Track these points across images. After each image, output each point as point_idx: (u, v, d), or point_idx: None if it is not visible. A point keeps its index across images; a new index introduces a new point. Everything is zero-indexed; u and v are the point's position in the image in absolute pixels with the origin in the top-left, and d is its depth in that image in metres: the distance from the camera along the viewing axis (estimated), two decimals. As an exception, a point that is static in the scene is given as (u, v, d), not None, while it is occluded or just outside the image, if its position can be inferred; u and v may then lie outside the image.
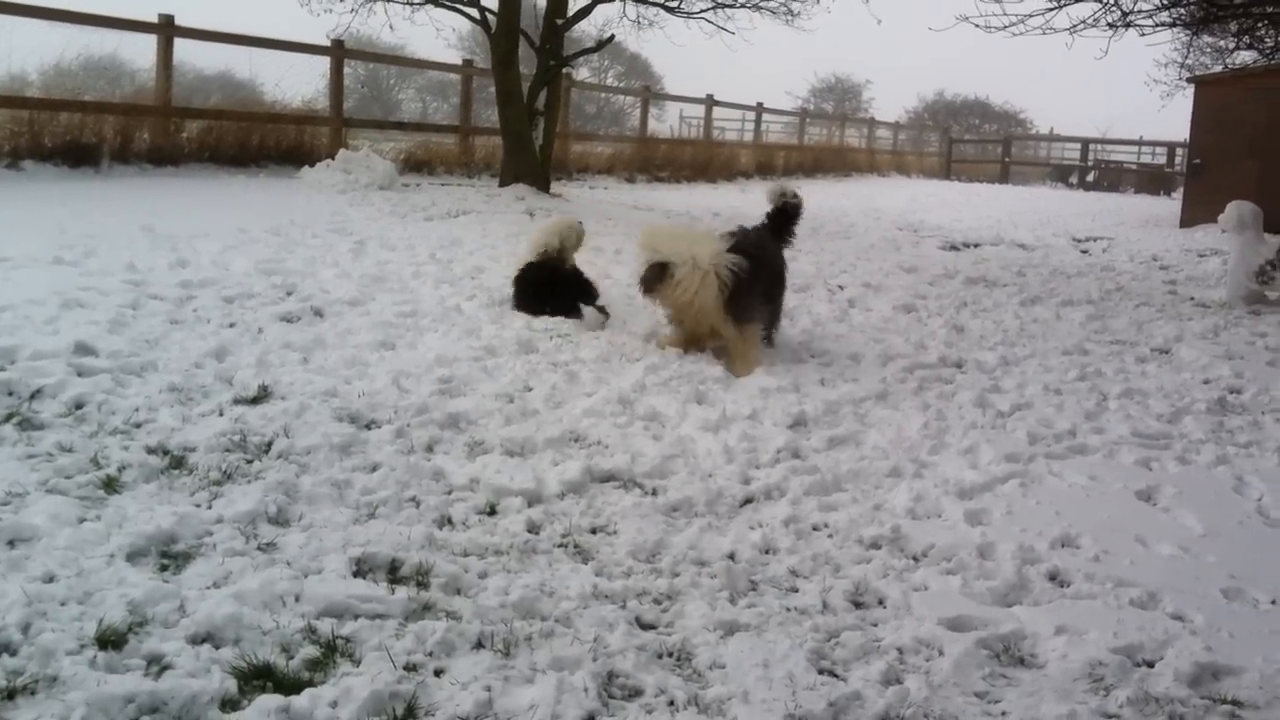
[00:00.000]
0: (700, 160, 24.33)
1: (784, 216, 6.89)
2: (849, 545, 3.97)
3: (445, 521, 3.89)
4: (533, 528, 3.90)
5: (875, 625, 3.38)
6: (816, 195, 20.87)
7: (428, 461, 4.39)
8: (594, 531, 3.94)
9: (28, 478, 3.84)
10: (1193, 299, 10.35)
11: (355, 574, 3.40)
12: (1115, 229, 18.85)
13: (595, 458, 4.61)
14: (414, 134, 19.98)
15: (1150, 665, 3.22)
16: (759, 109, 31.67)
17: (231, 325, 6.16)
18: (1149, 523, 4.39)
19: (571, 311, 7.08)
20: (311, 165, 14.66)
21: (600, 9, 17.07)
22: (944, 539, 4.02)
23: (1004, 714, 2.93)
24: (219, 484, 4.00)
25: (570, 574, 3.53)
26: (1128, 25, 14.23)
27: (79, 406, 4.61)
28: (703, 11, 18.23)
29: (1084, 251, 14.77)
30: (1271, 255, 9.83)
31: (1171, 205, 24.88)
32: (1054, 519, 4.31)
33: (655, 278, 6.25)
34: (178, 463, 4.15)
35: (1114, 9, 13.97)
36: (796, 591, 3.58)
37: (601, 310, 7.24)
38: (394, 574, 3.45)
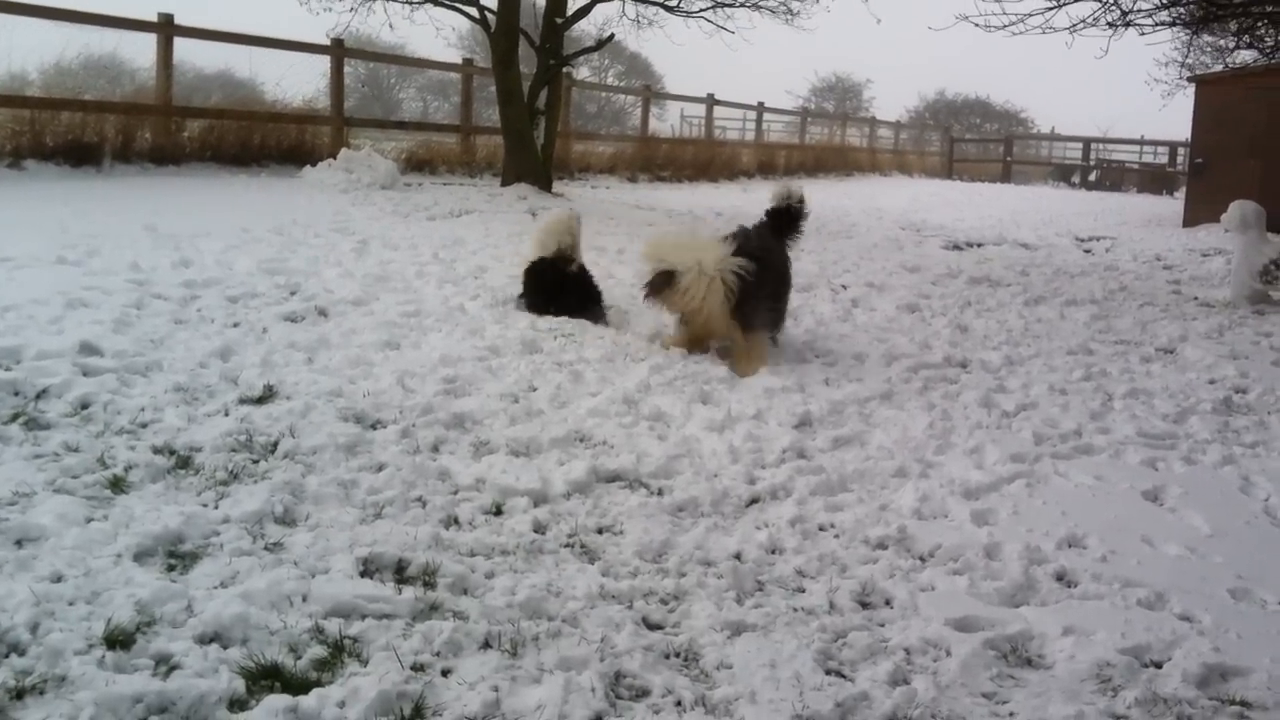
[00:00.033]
0: (702, 160, 24.34)
1: (787, 217, 6.88)
2: (855, 545, 3.97)
3: (452, 521, 3.89)
4: (539, 528, 3.90)
5: (882, 626, 3.38)
6: (818, 195, 20.81)
7: (433, 461, 4.39)
8: (600, 531, 3.94)
9: (35, 478, 3.84)
10: (1197, 299, 10.34)
11: (362, 574, 3.40)
12: (1118, 228, 18.85)
13: (601, 458, 4.60)
14: (415, 133, 19.99)
15: (1158, 666, 3.22)
16: (760, 108, 31.67)
17: (236, 325, 6.16)
18: (1156, 523, 4.39)
19: (577, 312, 7.08)
20: (313, 165, 14.65)
21: (600, 8, 17.07)
22: (950, 539, 4.02)
23: (1011, 715, 2.93)
24: (225, 484, 3.99)
25: (577, 574, 3.53)
26: (1127, 24, 14.21)
27: (85, 406, 4.60)
28: (702, 10, 18.22)
29: (1087, 251, 14.77)
30: (1275, 255, 9.84)
31: (1174, 205, 24.90)
32: (1060, 519, 4.31)
33: (662, 285, 6.24)
34: (184, 463, 4.15)
35: (1113, 8, 13.96)
36: (803, 592, 3.58)
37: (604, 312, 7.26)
38: (401, 574, 3.44)
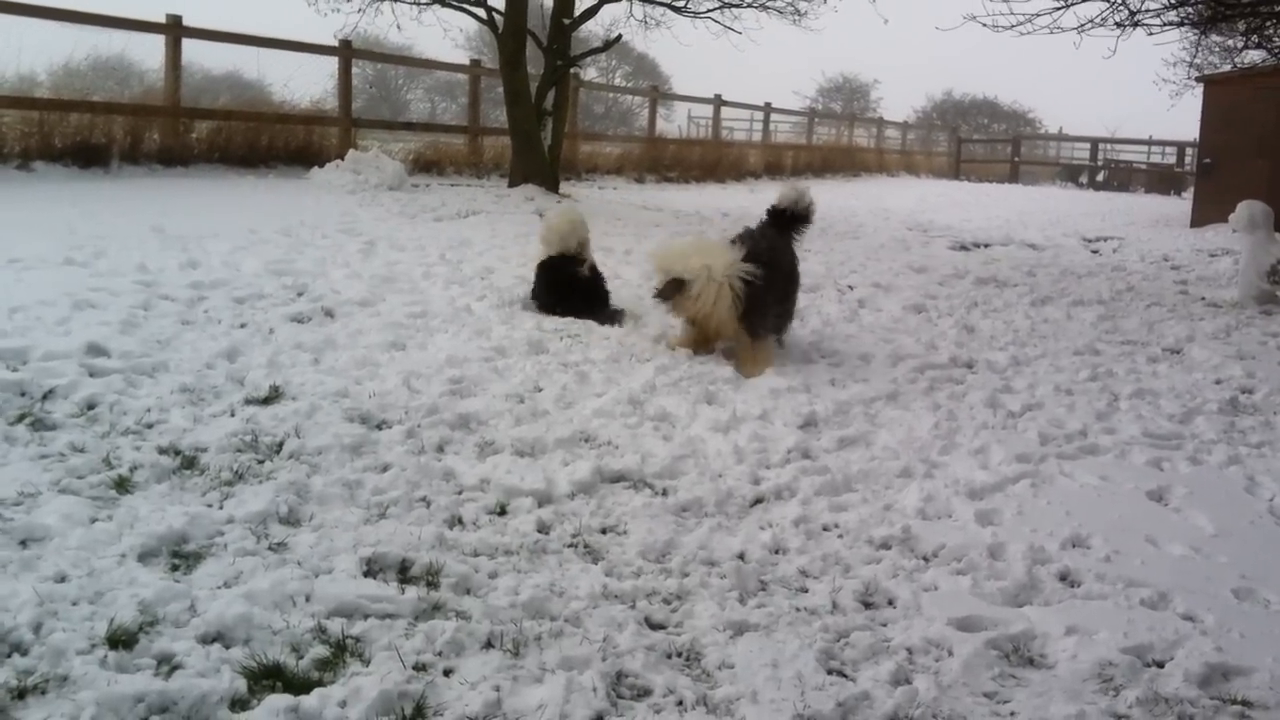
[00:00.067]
0: (709, 160, 24.35)
1: (792, 219, 6.87)
2: (859, 545, 3.97)
3: (456, 521, 3.90)
4: (543, 528, 3.90)
5: (885, 625, 3.38)
6: (825, 195, 20.82)
7: (438, 462, 4.40)
8: (604, 532, 3.94)
9: (40, 478, 3.86)
10: (1204, 299, 10.32)
11: (366, 574, 3.41)
12: (1125, 229, 18.82)
13: (605, 458, 4.61)
14: (423, 134, 20.04)
15: (1160, 665, 3.21)
16: (767, 109, 31.68)
17: (242, 326, 6.18)
18: (1160, 523, 4.38)
19: (586, 313, 7.09)
20: (321, 166, 14.70)
21: (607, 9, 17.10)
22: (954, 539, 4.02)
23: (1013, 714, 2.92)
24: (230, 484, 4.01)
25: (580, 574, 3.53)
26: (1135, 24, 14.16)
27: (91, 407, 4.62)
28: (709, 11, 18.24)
29: (1094, 251, 14.75)
30: (1283, 255, 9.80)
31: (1182, 205, 24.82)
32: (1065, 519, 4.31)
33: (672, 292, 6.24)
34: (189, 463, 4.16)
35: (1121, 8, 13.91)
36: (806, 592, 3.58)
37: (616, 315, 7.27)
38: (404, 574, 3.45)
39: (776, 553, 3.86)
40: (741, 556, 3.77)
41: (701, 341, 6.44)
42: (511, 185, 15.45)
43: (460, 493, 4.14)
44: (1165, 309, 9.54)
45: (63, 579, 3.15)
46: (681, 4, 17.90)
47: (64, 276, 6.74)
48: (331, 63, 17.33)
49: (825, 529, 4.11)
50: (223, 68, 25.38)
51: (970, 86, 59.34)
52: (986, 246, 14.42)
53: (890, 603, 3.55)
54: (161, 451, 4.22)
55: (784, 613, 3.39)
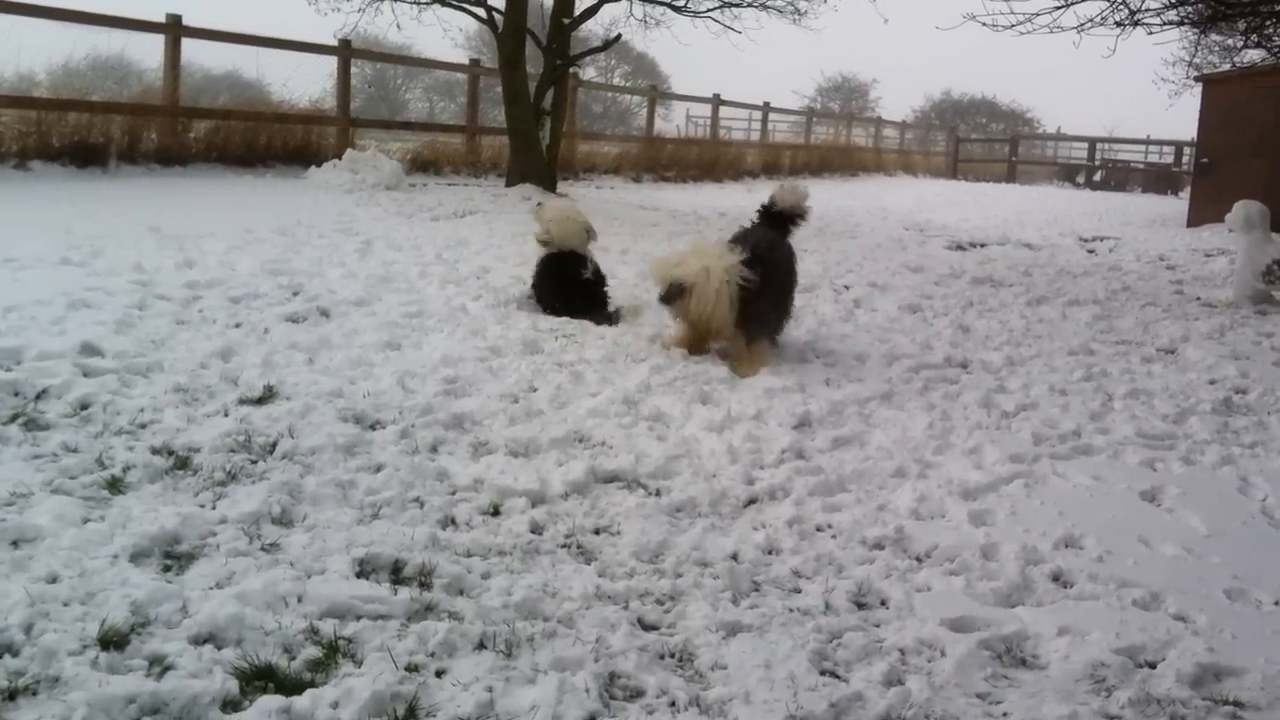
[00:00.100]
0: (707, 160, 24.35)
1: (788, 218, 6.87)
2: (852, 546, 3.97)
3: (449, 522, 3.90)
4: (536, 528, 3.90)
5: (878, 626, 3.38)
6: (823, 195, 20.79)
7: (432, 462, 4.40)
8: (597, 532, 3.94)
9: (33, 478, 3.85)
10: (1199, 299, 10.33)
11: (358, 575, 3.41)
12: (1122, 228, 18.83)
13: (599, 458, 4.61)
14: (421, 134, 20.04)
15: (1152, 666, 3.22)
16: (765, 108, 31.69)
17: (238, 325, 6.18)
18: (1153, 523, 4.38)
19: (586, 313, 7.10)
20: (318, 165, 14.70)
21: (607, 8, 17.10)
22: (947, 539, 4.02)
23: (1005, 715, 2.93)
24: (223, 484, 4.00)
25: (573, 575, 3.53)
26: (1135, 24, 14.16)
27: (84, 407, 4.62)
28: (709, 11, 18.25)
29: (1090, 251, 14.75)
30: (1279, 255, 9.81)
31: (1179, 205, 24.84)
32: (1058, 519, 4.31)
33: (675, 296, 6.23)
34: (182, 463, 4.16)
35: (1121, 7, 13.91)
36: (799, 592, 3.58)
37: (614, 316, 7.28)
38: (397, 574, 3.45)
39: (770, 553, 3.86)
40: (735, 557, 3.77)
41: (698, 342, 6.44)
42: (509, 185, 15.45)
43: (454, 493, 4.14)
44: (1160, 309, 9.54)
45: (54, 579, 3.15)
46: (681, 3, 17.91)
47: (60, 276, 6.74)
48: (330, 62, 17.32)
49: (819, 529, 4.11)
50: (222, 67, 25.40)
51: (969, 86, 59.42)
52: (983, 246, 14.43)
53: (883, 603, 3.55)
54: (154, 452, 4.22)
55: (777, 613, 3.39)
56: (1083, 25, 13.81)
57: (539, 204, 7.51)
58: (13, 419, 4.39)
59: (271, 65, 23.20)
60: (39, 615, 2.92)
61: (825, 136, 37.07)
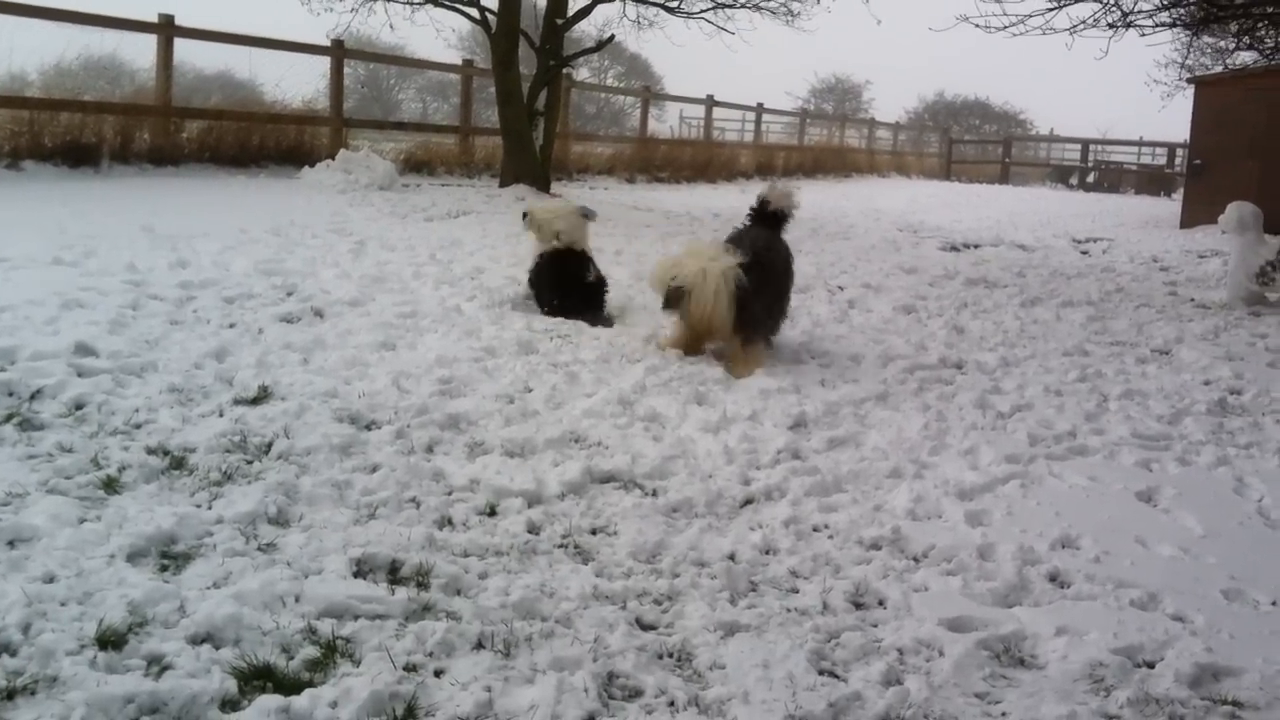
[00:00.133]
0: (700, 161, 24.35)
1: (778, 218, 6.87)
2: (849, 546, 3.97)
3: (445, 522, 3.89)
4: (533, 528, 3.90)
5: (875, 626, 3.38)
6: (817, 196, 20.87)
7: (428, 462, 4.39)
8: (594, 532, 3.94)
9: (28, 478, 3.84)
10: (1193, 300, 10.35)
11: (355, 574, 3.40)
12: (1115, 230, 18.86)
13: (595, 458, 4.60)
14: (414, 134, 20.01)
15: (1150, 666, 3.22)
16: (759, 109, 31.69)
17: (232, 326, 6.16)
18: (1149, 524, 4.39)
19: (582, 313, 7.10)
20: (312, 165, 14.67)
21: (600, 9, 17.11)
22: (944, 540, 4.02)
23: (1004, 715, 2.93)
24: (219, 484, 3.99)
25: (570, 575, 3.53)
26: (1128, 26, 14.23)
27: (79, 407, 4.61)
28: (703, 12, 18.26)
29: (1084, 252, 14.77)
30: (1272, 256, 9.82)
31: (1172, 206, 24.90)
32: (1054, 520, 4.31)
33: (676, 299, 6.22)
34: (178, 463, 4.15)
35: (1114, 9, 13.97)
36: (797, 592, 3.58)
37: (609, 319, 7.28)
38: (394, 574, 3.44)
39: (767, 553, 3.85)
40: (732, 557, 3.77)
41: (694, 343, 6.43)
42: (502, 185, 15.44)
43: (450, 493, 4.13)
44: (1154, 310, 9.56)
45: (51, 579, 3.14)
46: (674, 4, 17.92)
47: (53, 276, 6.73)
48: (323, 62, 17.31)
49: (815, 530, 4.11)
50: (214, 67, 25.40)
51: (962, 88, 59.43)
52: (977, 247, 14.44)
53: (881, 603, 3.55)
54: (150, 452, 4.21)
55: (775, 613, 3.39)
56: (1075, 27, 13.88)
57: (523, 214, 7.45)
58: (7, 419, 4.37)
59: (264, 65, 23.22)
60: (36, 615, 2.91)
61: (819, 138, 37.09)
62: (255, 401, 4.93)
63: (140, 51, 16.20)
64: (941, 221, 18.32)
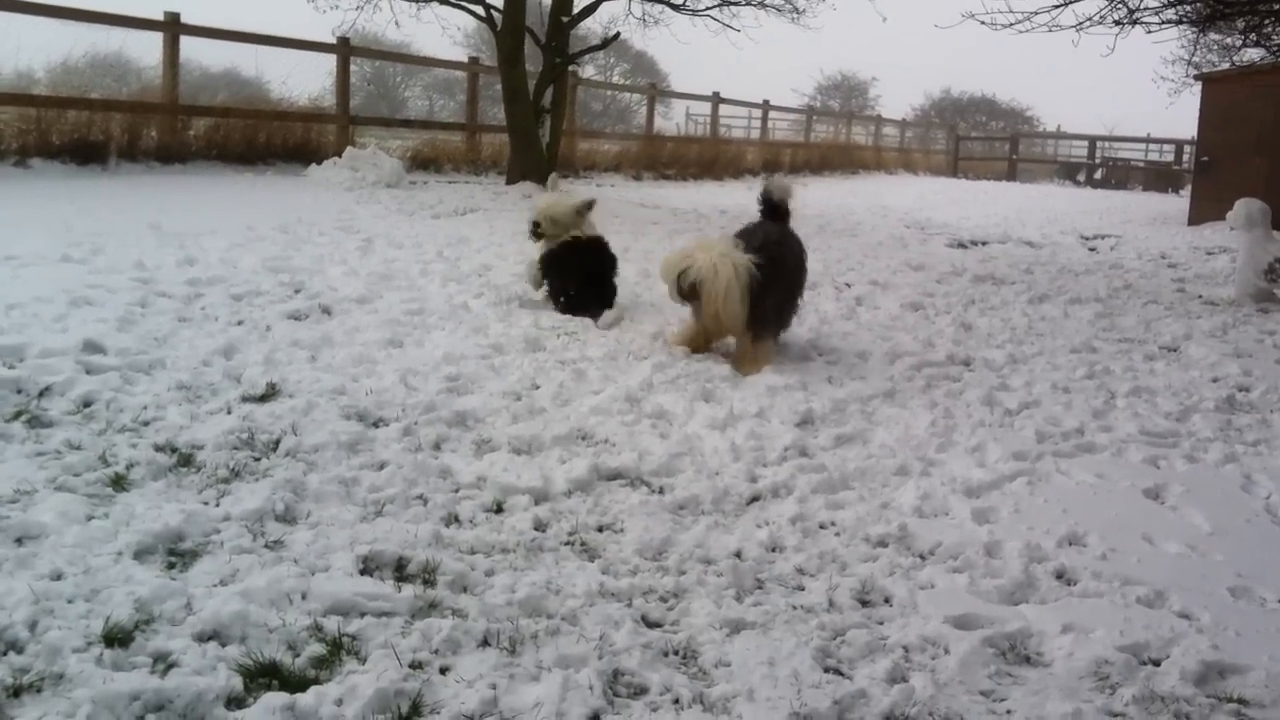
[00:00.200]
0: (706, 158, 24.35)
1: (784, 210, 6.86)
2: (856, 543, 3.96)
3: (452, 519, 3.89)
4: (539, 526, 3.90)
5: (881, 623, 3.38)
6: (823, 193, 20.88)
7: (435, 459, 4.39)
8: (601, 529, 3.94)
9: (36, 475, 3.85)
10: (1201, 297, 10.32)
11: (362, 572, 3.40)
12: (1123, 227, 18.83)
13: (602, 456, 4.61)
14: (421, 132, 20.03)
15: (1156, 664, 3.21)
16: (765, 106, 31.70)
17: (239, 323, 6.18)
18: (1156, 521, 4.38)
19: (596, 306, 7.10)
20: (319, 163, 14.70)
21: (606, 6, 17.11)
22: (951, 537, 4.02)
23: (1009, 712, 2.92)
24: (227, 482, 4.00)
25: (576, 572, 3.53)
26: (1134, 22, 14.17)
27: (87, 404, 4.62)
28: (708, 9, 18.26)
29: (1092, 249, 14.75)
30: (1280, 253, 9.81)
31: (1179, 203, 24.85)
32: (1061, 517, 4.30)
33: (687, 293, 6.20)
34: (186, 460, 4.16)
35: (1120, 6, 13.92)
36: (803, 590, 3.58)
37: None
38: (401, 572, 3.44)
39: (773, 551, 3.85)
40: (738, 554, 3.76)
41: (704, 340, 6.41)
42: (509, 183, 15.46)
43: (457, 490, 4.13)
44: (1162, 307, 9.54)
45: (59, 577, 3.14)
46: (680, 2, 17.91)
47: (61, 273, 6.75)
48: (330, 60, 17.32)
49: (822, 527, 4.10)
50: (221, 65, 25.36)
51: (968, 84, 59.49)
52: (984, 244, 14.42)
53: (887, 601, 3.55)
54: (158, 449, 4.22)
55: (781, 611, 3.39)
56: (1082, 24, 13.82)
57: (534, 224, 7.40)
58: (16, 416, 4.39)
59: (270, 63, 23.17)
60: (43, 612, 2.92)
61: (825, 135, 37.10)
62: (263, 399, 4.94)
63: (147, 49, 16.22)
64: (949, 218, 18.30)
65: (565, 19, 15.90)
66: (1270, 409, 6.14)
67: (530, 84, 15.62)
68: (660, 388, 5.60)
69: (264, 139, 15.36)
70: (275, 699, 2.64)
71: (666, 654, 3.09)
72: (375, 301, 6.99)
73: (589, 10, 16.75)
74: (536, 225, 7.31)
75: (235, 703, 2.66)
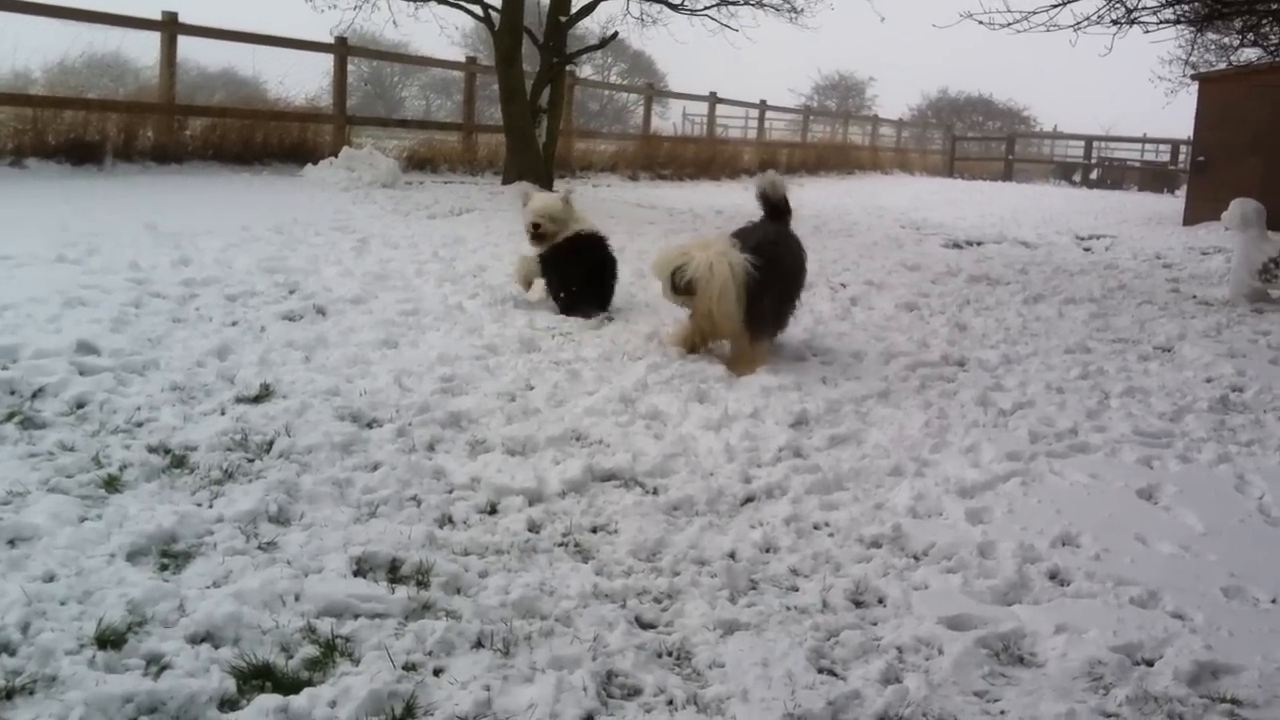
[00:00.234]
0: (703, 158, 24.35)
1: (782, 208, 6.86)
2: (850, 544, 3.97)
3: (446, 520, 3.89)
4: (533, 527, 3.90)
5: (875, 624, 3.38)
6: (819, 193, 20.89)
7: (429, 460, 4.39)
8: (594, 530, 3.94)
9: (29, 477, 3.85)
10: (1195, 297, 10.33)
11: (355, 573, 3.40)
12: (1118, 227, 18.84)
13: (596, 456, 4.61)
14: (417, 131, 20.01)
15: (1150, 664, 3.22)
16: (762, 106, 31.69)
17: (234, 324, 6.17)
18: (1150, 521, 4.38)
19: (596, 303, 7.10)
20: (315, 163, 14.69)
21: (603, 6, 17.09)
22: (945, 538, 4.02)
23: (1003, 713, 2.93)
24: (220, 483, 4.00)
25: (570, 573, 3.53)
26: (1132, 22, 14.18)
27: (81, 405, 4.61)
28: (706, 8, 18.25)
29: (1087, 249, 14.76)
30: (1275, 253, 9.82)
31: (1175, 203, 24.87)
32: (1055, 517, 4.31)
33: (682, 290, 6.19)
34: (179, 462, 4.16)
35: (1118, 6, 13.92)
36: (797, 590, 3.58)
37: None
38: (394, 573, 3.44)
39: (767, 551, 3.85)
40: (732, 555, 3.77)
41: (698, 340, 6.40)
42: (505, 183, 15.44)
43: (451, 491, 4.13)
44: (1157, 307, 9.55)
45: (51, 578, 3.14)
46: (678, 1, 17.90)
47: (56, 274, 6.74)
48: (327, 60, 17.31)
49: (816, 527, 4.11)
50: (218, 65, 25.36)
51: (965, 84, 59.51)
52: (979, 244, 14.43)
53: (880, 601, 3.55)
54: (151, 450, 4.21)
55: (774, 611, 3.39)
56: (1079, 24, 13.83)
57: (534, 224, 7.39)
58: (9, 417, 4.38)
59: (267, 63, 23.16)
60: (36, 614, 2.92)
61: (822, 134, 37.09)
62: (257, 400, 4.94)
63: (144, 49, 16.19)
64: (944, 218, 18.31)
65: (563, 18, 15.89)
66: (1264, 409, 6.15)
67: (528, 84, 15.61)
68: (655, 388, 5.60)
69: (260, 139, 15.34)
70: (268, 701, 2.64)
71: (660, 655, 3.09)
72: (370, 302, 6.99)
73: (587, 10, 16.74)
74: (537, 226, 7.29)
75: (228, 705, 2.66)
